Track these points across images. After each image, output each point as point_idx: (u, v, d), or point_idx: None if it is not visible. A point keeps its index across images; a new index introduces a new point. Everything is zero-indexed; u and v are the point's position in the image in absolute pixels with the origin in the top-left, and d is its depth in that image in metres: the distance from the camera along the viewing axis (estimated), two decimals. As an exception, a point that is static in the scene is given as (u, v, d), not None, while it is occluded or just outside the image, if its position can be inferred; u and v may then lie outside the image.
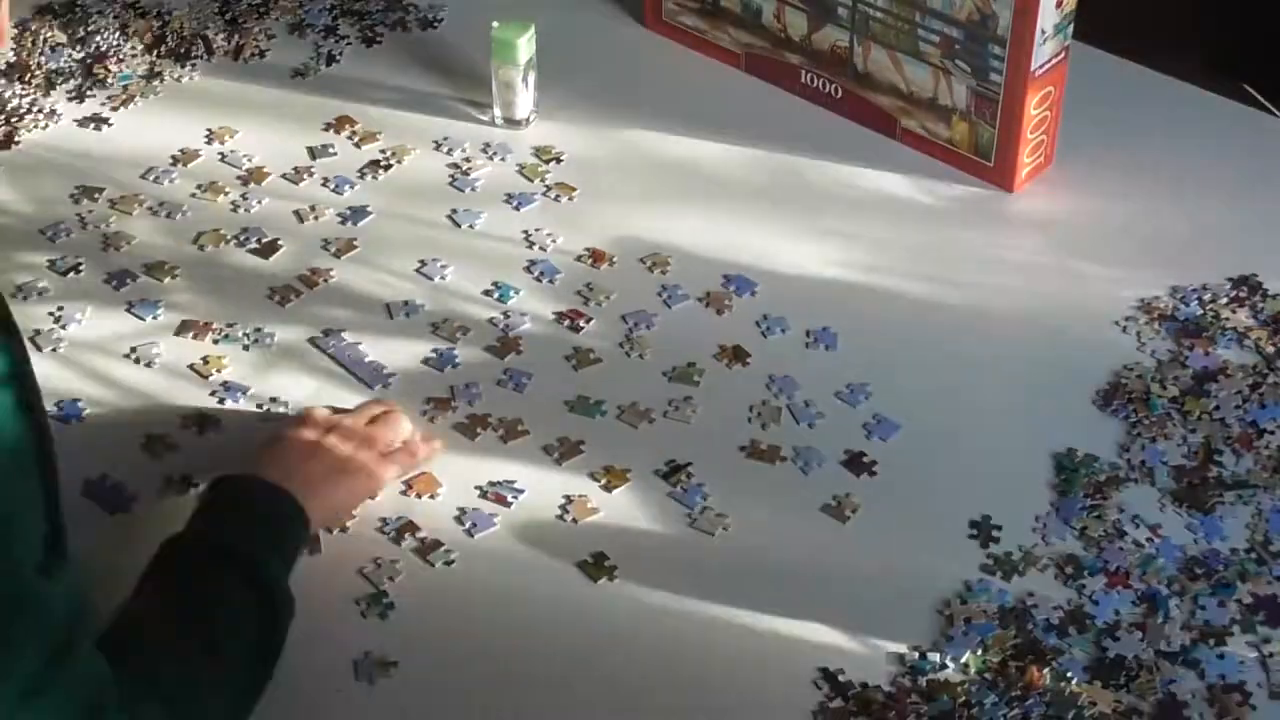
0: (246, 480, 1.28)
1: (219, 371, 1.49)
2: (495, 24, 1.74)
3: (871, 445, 1.42)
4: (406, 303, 1.57)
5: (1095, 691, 1.23)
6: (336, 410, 1.41)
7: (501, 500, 1.38)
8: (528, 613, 1.31)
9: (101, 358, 1.51)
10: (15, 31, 1.91)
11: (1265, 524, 1.36)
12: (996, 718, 1.22)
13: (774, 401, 1.47)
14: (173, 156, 1.75)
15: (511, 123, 1.78)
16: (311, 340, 1.53)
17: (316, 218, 1.67)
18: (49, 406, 1.42)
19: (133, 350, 1.51)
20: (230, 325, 1.54)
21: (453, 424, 1.45)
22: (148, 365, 1.50)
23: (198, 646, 1.16)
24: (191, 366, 1.50)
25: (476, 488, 1.39)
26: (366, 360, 1.50)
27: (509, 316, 1.56)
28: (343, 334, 1.53)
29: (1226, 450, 1.42)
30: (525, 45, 1.73)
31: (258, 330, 1.54)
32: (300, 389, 1.48)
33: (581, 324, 1.54)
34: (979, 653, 1.26)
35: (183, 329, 1.54)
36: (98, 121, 1.80)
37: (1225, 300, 1.56)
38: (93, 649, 1.07)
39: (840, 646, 1.27)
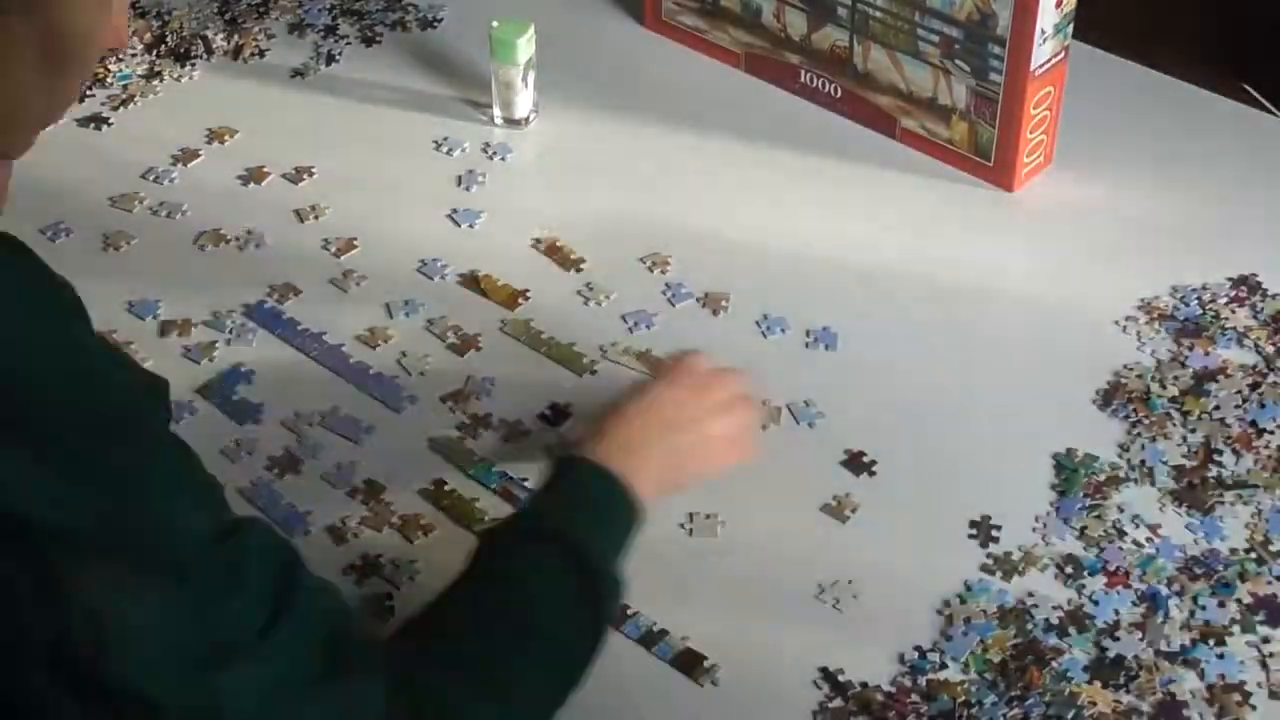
0: (572, 464, 1.20)
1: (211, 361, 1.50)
2: (495, 23, 1.74)
3: (871, 446, 1.43)
4: (407, 302, 1.57)
5: (1095, 691, 1.23)
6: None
7: (509, 495, 1.38)
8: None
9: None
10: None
11: (1265, 524, 1.36)
12: (996, 718, 1.22)
13: (774, 401, 1.47)
14: (173, 156, 1.75)
15: (511, 123, 1.79)
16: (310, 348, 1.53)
17: (316, 217, 1.67)
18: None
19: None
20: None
21: (455, 424, 1.45)
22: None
23: (502, 620, 1.08)
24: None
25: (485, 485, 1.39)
26: (392, 379, 1.49)
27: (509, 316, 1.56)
28: (342, 347, 1.53)
29: (1226, 450, 1.42)
30: (525, 45, 1.74)
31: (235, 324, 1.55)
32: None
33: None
34: (979, 652, 1.26)
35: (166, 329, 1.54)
36: (97, 121, 1.80)
37: (1225, 300, 1.56)
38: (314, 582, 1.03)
39: (840, 646, 1.27)
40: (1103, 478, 1.39)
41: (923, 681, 1.24)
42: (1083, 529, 1.35)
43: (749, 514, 1.37)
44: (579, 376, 1.49)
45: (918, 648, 1.27)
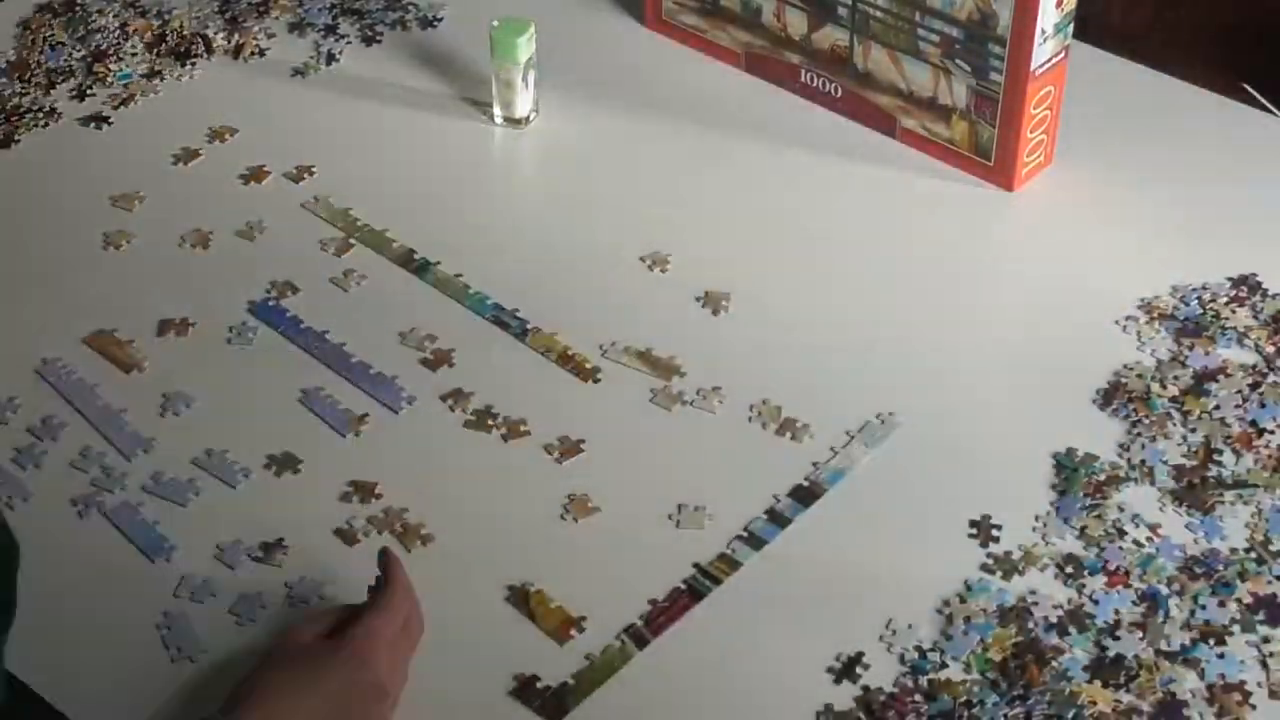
0: None
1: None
2: (495, 23, 1.74)
3: (872, 444, 1.43)
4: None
5: (1095, 691, 1.24)
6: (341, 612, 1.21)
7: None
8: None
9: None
10: (16, 30, 1.91)
11: (1265, 523, 1.36)
12: (997, 717, 1.22)
13: (773, 400, 1.47)
14: (173, 156, 1.75)
15: (511, 122, 1.79)
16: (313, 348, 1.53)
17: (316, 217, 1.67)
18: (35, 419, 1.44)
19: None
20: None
21: (463, 422, 1.45)
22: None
23: None
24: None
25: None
26: (394, 381, 1.49)
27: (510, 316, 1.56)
28: (344, 346, 1.53)
29: (1226, 450, 1.42)
30: (525, 44, 1.73)
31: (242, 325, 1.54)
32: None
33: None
34: (979, 652, 1.26)
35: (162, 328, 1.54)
36: (98, 120, 1.80)
37: (1225, 300, 1.56)
38: None
39: (840, 646, 1.27)
40: (1103, 477, 1.40)
41: (923, 681, 1.24)
42: (1083, 528, 1.35)
43: (748, 513, 1.37)
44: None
45: (918, 648, 1.27)
